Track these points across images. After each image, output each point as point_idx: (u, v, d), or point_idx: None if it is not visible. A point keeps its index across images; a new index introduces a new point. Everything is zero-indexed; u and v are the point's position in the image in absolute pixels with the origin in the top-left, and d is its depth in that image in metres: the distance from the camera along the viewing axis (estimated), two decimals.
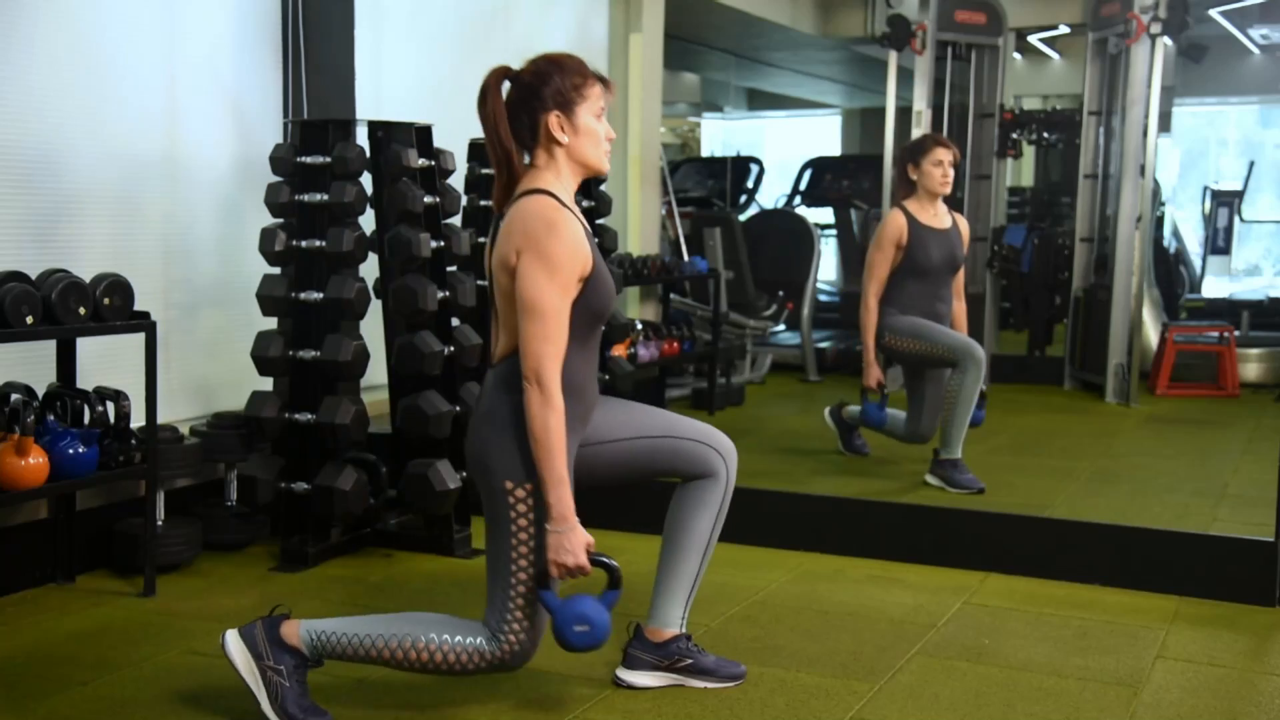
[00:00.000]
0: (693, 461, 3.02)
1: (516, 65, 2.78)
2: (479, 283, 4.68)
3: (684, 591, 3.08)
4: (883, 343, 5.21)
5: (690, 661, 3.09)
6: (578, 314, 2.70)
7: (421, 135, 4.35)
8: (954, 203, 8.20)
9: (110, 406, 3.72)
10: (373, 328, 4.40)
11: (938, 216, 5.21)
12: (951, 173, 5.15)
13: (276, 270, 4.24)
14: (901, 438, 5.43)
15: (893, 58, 8.23)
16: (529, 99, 2.72)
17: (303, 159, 4.19)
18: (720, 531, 3.09)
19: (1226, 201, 12.80)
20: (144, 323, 3.75)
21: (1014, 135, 8.80)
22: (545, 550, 2.67)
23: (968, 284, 8.09)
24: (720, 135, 15.24)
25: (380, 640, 2.75)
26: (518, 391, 2.68)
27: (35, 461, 3.44)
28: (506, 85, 2.75)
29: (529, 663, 2.80)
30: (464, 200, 4.75)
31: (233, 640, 2.78)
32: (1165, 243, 10.90)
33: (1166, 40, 7.46)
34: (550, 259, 2.63)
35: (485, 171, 5.00)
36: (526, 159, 2.79)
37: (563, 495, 2.64)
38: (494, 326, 2.85)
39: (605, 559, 2.71)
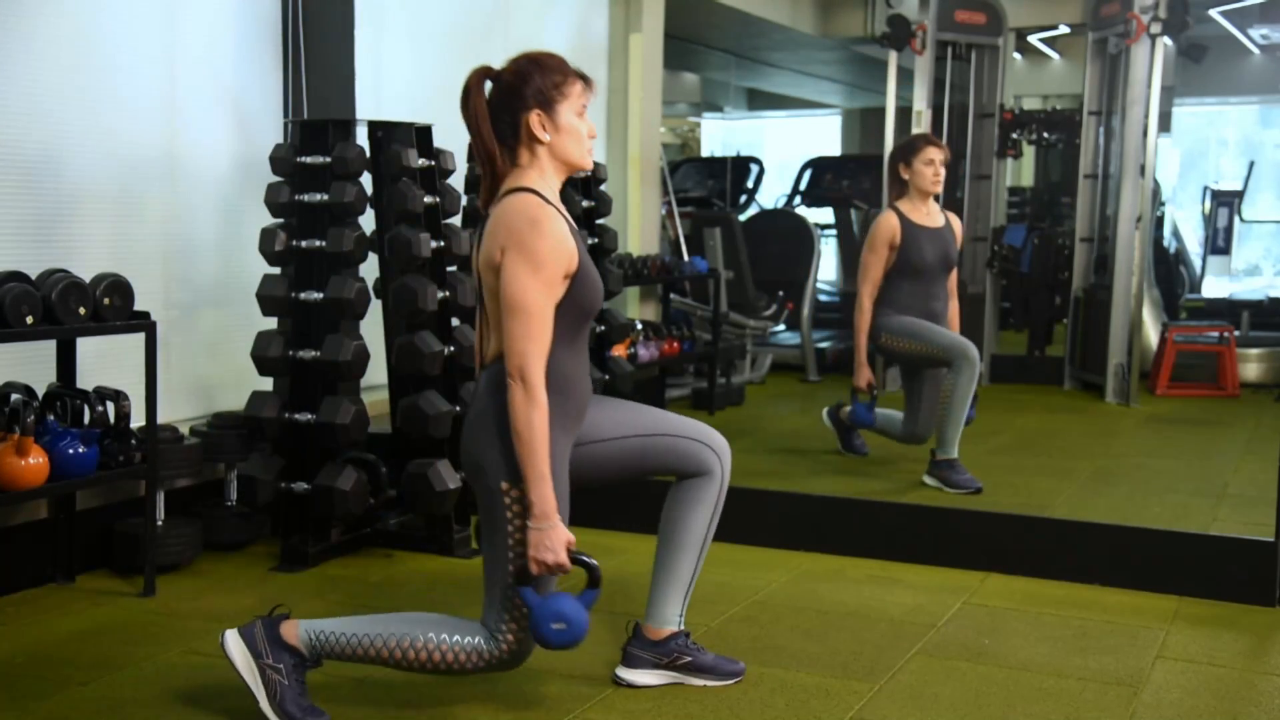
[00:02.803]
0: (687, 459, 3.02)
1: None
2: None
3: (681, 589, 3.08)
4: (879, 343, 5.22)
5: (689, 659, 3.10)
6: (566, 311, 2.71)
7: (421, 135, 4.35)
8: (954, 203, 8.26)
9: (110, 406, 3.72)
10: (373, 328, 4.40)
11: (930, 215, 5.22)
12: (943, 172, 5.17)
13: (276, 270, 4.24)
14: (898, 438, 5.44)
15: (893, 58, 8.23)
16: (510, 98, 2.73)
17: (303, 159, 4.19)
18: (716, 529, 3.09)
19: (1226, 201, 12.80)
20: (144, 323, 3.75)
21: (1014, 135, 8.81)
22: (526, 547, 2.67)
23: (967, 283, 8.19)
24: (720, 135, 15.24)
25: (379, 640, 2.76)
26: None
27: (35, 461, 3.44)
28: (488, 85, 2.75)
29: (527, 661, 2.80)
30: (464, 200, 4.75)
31: (232, 639, 2.78)
32: (1165, 243, 10.90)
33: (1166, 40, 7.46)
34: (534, 256, 2.63)
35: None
36: (516, 160, 2.78)
37: (545, 493, 2.63)
38: (481, 327, 2.85)
39: (585, 557, 2.71)
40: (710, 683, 3.10)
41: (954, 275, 5.32)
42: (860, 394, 5.36)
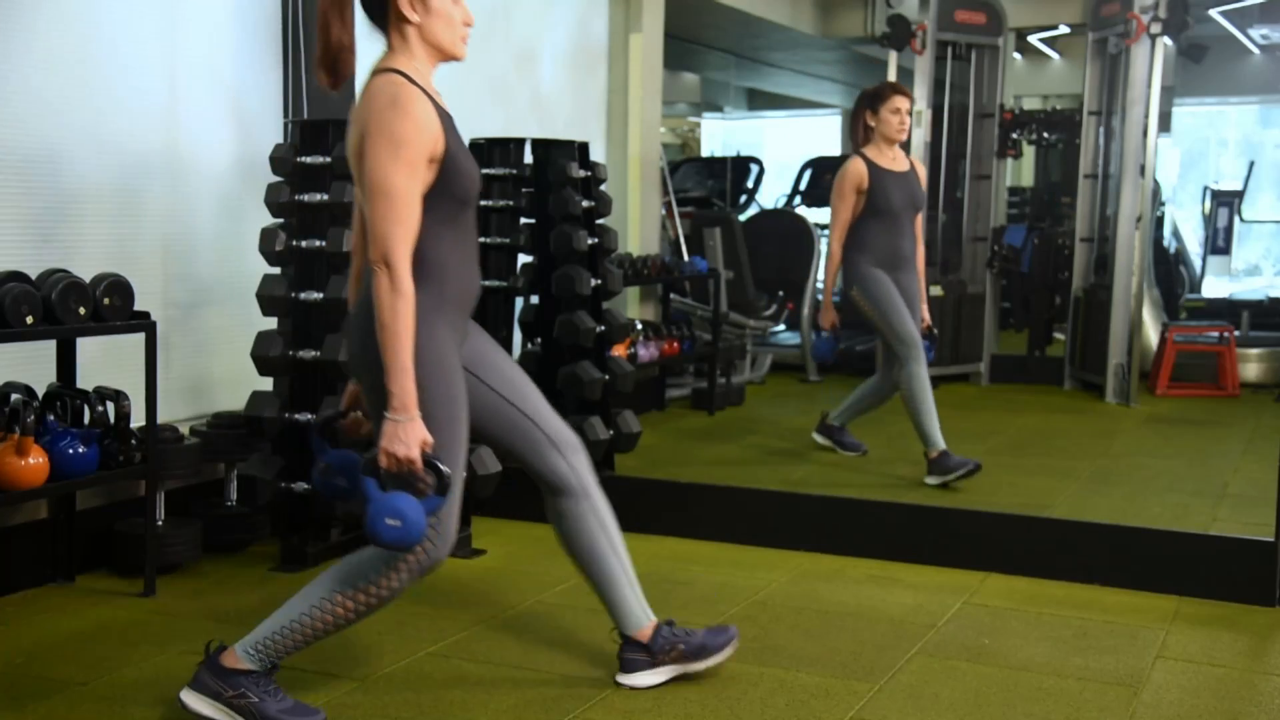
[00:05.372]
0: (541, 459, 2.93)
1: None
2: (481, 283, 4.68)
3: (625, 589, 3.05)
4: (850, 292, 5.40)
5: (681, 646, 3.09)
6: (438, 199, 2.61)
7: None
8: (954, 203, 8.27)
9: (110, 406, 3.72)
10: None
11: (896, 160, 5.38)
12: (909, 120, 5.35)
13: (276, 270, 4.24)
14: (882, 397, 5.60)
15: (893, 58, 8.23)
16: None
17: (303, 159, 4.19)
18: (615, 520, 3.04)
19: (1226, 201, 12.79)
20: (144, 323, 3.75)
21: (1014, 135, 8.81)
22: (379, 437, 2.56)
23: (967, 283, 8.18)
24: (720, 135, 15.23)
25: (309, 615, 2.72)
26: None
27: (35, 461, 3.44)
28: None
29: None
30: None
31: (189, 697, 2.76)
32: (1165, 243, 10.89)
33: (1166, 40, 7.45)
34: (394, 137, 2.52)
35: (485, 171, 5.00)
36: (388, 44, 2.70)
37: (406, 384, 2.52)
38: (359, 221, 2.77)
39: (437, 461, 2.59)
40: (710, 662, 3.10)
41: (920, 218, 5.48)
42: (823, 332, 5.53)
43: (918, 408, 5.21)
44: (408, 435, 2.54)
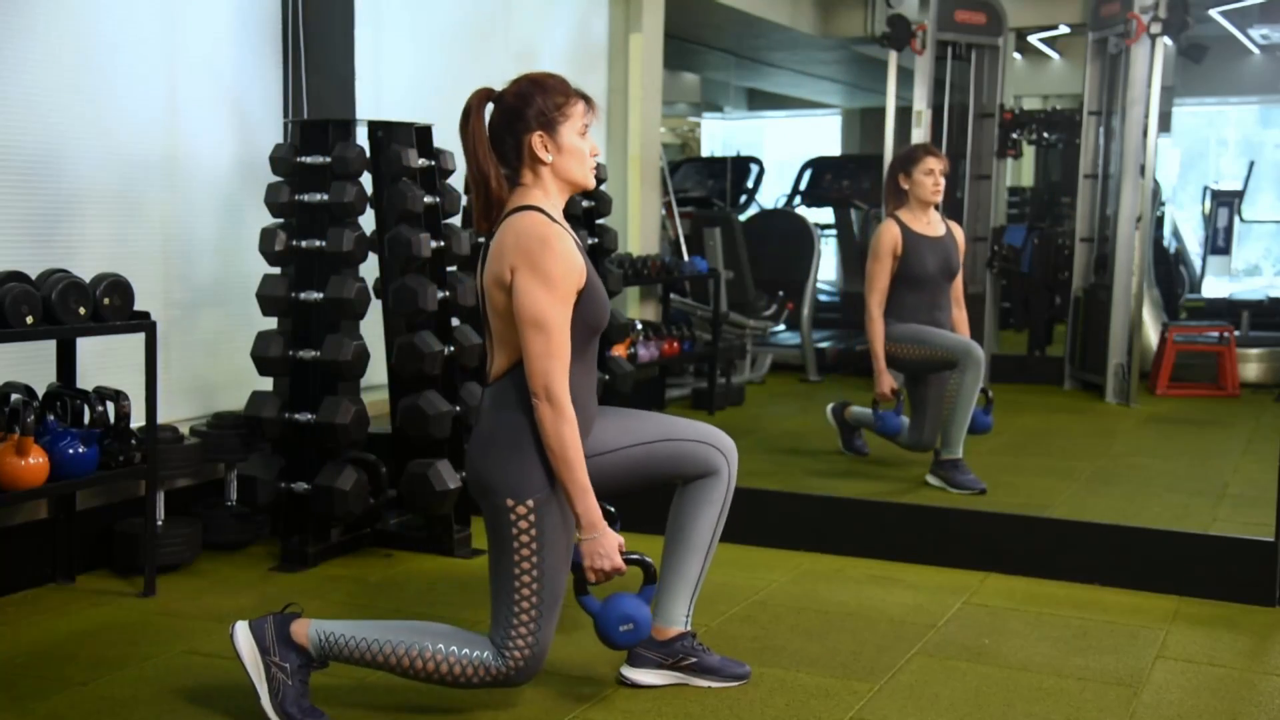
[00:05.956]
0: (694, 462, 3.03)
1: (516, 67, 2.80)
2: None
3: (688, 590, 3.08)
4: (890, 353, 5.23)
5: (695, 660, 3.10)
6: (574, 327, 2.72)
7: (421, 135, 4.35)
8: (954, 203, 8.26)
9: (110, 406, 3.72)
10: (373, 328, 4.40)
11: (931, 225, 5.23)
12: (943, 182, 5.18)
13: (276, 270, 4.24)
14: (905, 445, 5.44)
15: (893, 58, 8.23)
16: (513, 120, 2.75)
17: (303, 159, 4.19)
18: (723, 530, 3.09)
19: (1226, 201, 12.80)
20: (144, 323, 3.75)
21: (1014, 135, 8.80)
22: (581, 558, 2.74)
23: (967, 283, 8.16)
24: (720, 135, 15.23)
25: (388, 647, 2.77)
26: (514, 409, 2.72)
27: (35, 461, 3.44)
28: (489, 107, 2.77)
29: (533, 679, 2.80)
30: (464, 200, 4.75)
31: (242, 632, 2.78)
32: (1165, 243, 10.89)
33: (1166, 40, 7.45)
34: (547, 274, 2.65)
35: None
36: (519, 180, 2.80)
37: (590, 504, 2.70)
38: (488, 345, 2.86)
39: (638, 556, 2.79)
40: (715, 684, 3.10)
41: (958, 283, 5.32)
42: (885, 402, 5.35)
43: (958, 408, 5.08)
44: (606, 548, 2.73)
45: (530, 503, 2.71)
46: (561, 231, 2.71)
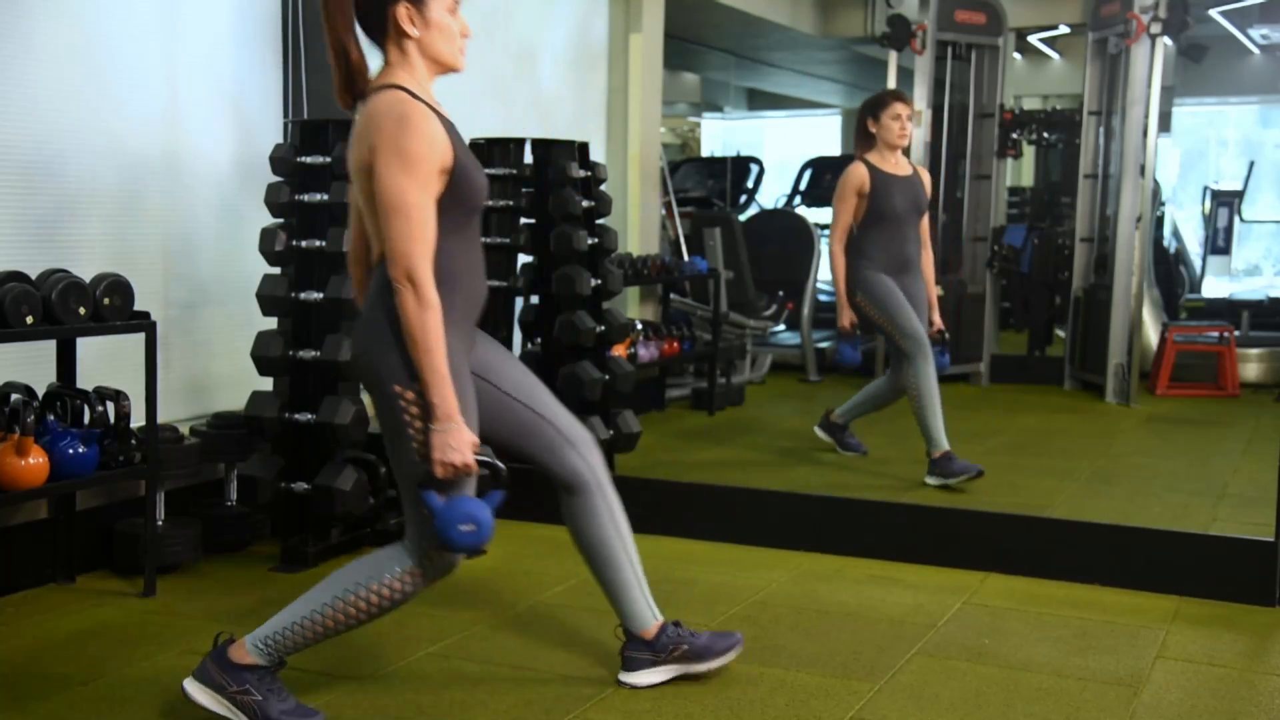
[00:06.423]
0: (553, 455, 2.94)
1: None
2: None
3: (634, 591, 3.06)
4: (854, 300, 5.38)
5: (685, 647, 3.09)
6: (447, 207, 2.63)
7: None
8: (954, 203, 8.27)
9: (110, 406, 3.72)
10: None
11: (898, 166, 5.41)
12: (909, 127, 5.38)
13: (276, 270, 4.24)
14: (888, 400, 5.56)
15: (893, 58, 8.23)
16: None
17: (303, 159, 4.19)
18: (625, 518, 3.05)
19: (1226, 201, 12.79)
20: (144, 323, 3.75)
21: (1014, 135, 8.81)
22: (431, 450, 2.59)
23: (967, 283, 8.18)
24: (720, 135, 15.23)
25: (319, 614, 2.73)
26: (395, 295, 2.60)
27: (35, 461, 3.44)
28: None
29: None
30: None
31: (193, 688, 2.76)
32: (1165, 243, 10.89)
33: (1166, 40, 7.45)
34: (406, 154, 2.54)
35: (485, 171, 5.00)
36: (386, 58, 2.69)
37: (445, 393, 2.57)
38: (356, 230, 2.78)
39: (490, 459, 2.65)
40: (713, 664, 3.10)
41: (925, 222, 5.48)
42: (845, 335, 5.52)
43: (924, 405, 5.19)
44: (458, 441, 2.59)
45: (418, 386, 2.60)
46: (425, 110, 2.58)
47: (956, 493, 5.09)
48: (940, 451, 5.18)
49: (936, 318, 5.47)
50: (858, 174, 5.33)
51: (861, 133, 5.42)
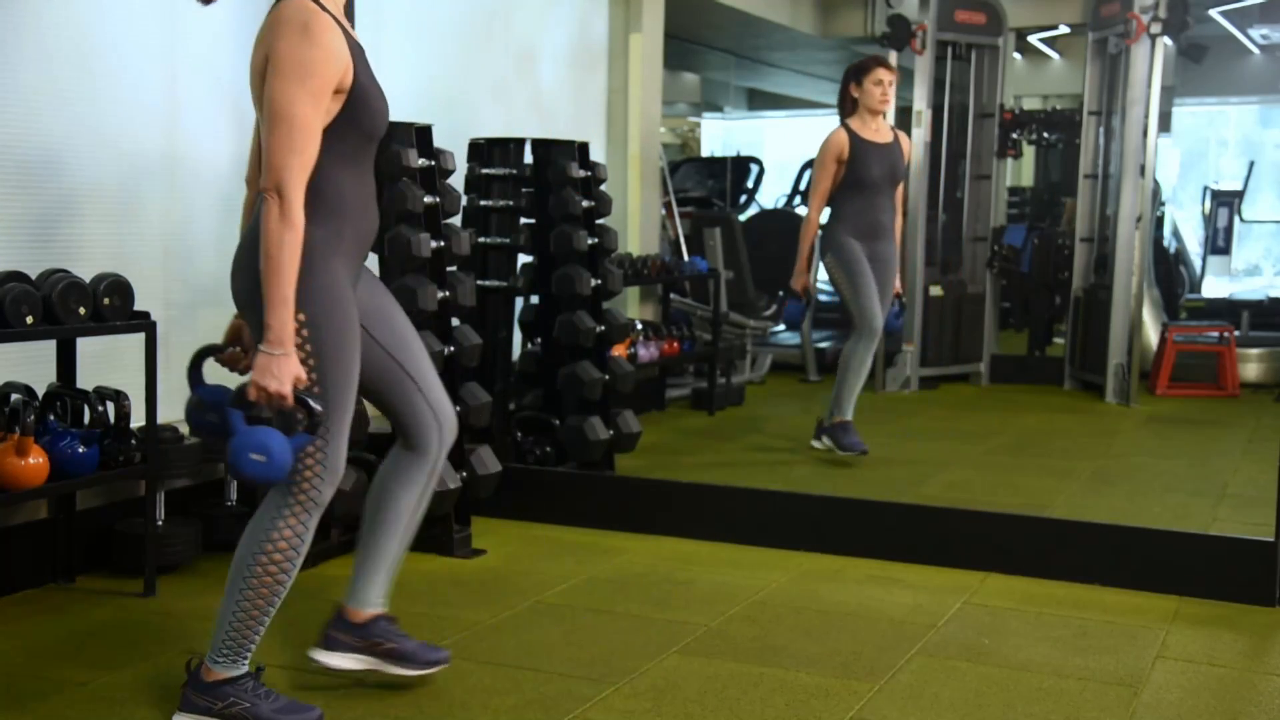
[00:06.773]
0: (412, 416, 2.88)
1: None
2: (479, 283, 4.69)
3: (384, 571, 3.00)
4: (824, 259, 5.59)
5: (392, 645, 3.01)
6: (343, 132, 2.56)
7: (421, 135, 4.35)
8: (954, 203, 8.27)
9: (110, 406, 3.72)
10: None
11: (879, 132, 5.53)
12: (892, 92, 5.50)
13: None
14: (863, 352, 5.66)
15: (893, 58, 8.19)
16: None
17: None
18: (424, 512, 3.01)
19: (1226, 201, 12.80)
20: (144, 323, 3.75)
21: (1014, 135, 8.81)
22: (253, 371, 2.52)
23: (968, 282, 8.19)
24: (720, 135, 15.23)
25: (243, 600, 2.71)
26: None
27: (35, 461, 3.44)
28: None
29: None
30: (464, 200, 4.75)
31: None
32: (1165, 243, 10.89)
33: (1166, 40, 7.46)
34: (300, 63, 2.46)
35: (485, 171, 5.01)
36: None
37: (285, 319, 2.48)
38: (255, 144, 2.73)
39: (309, 399, 2.56)
40: (408, 671, 3.01)
41: (900, 190, 5.63)
42: (794, 295, 5.81)
43: (847, 378, 5.44)
44: (281, 370, 2.49)
45: (302, 316, 2.55)
46: (328, 20, 2.51)
47: (957, 492, 5.09)
48: (842, 418, 5.41)
49: (898, 283, 5.73)
50: (838, 140, 5.46)
51: (845, 97, 5.54)
